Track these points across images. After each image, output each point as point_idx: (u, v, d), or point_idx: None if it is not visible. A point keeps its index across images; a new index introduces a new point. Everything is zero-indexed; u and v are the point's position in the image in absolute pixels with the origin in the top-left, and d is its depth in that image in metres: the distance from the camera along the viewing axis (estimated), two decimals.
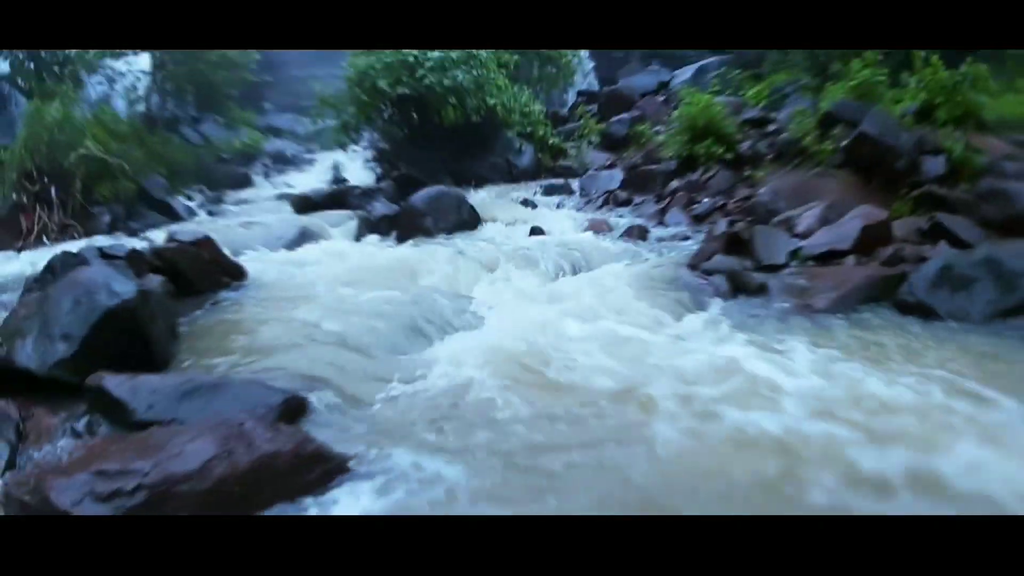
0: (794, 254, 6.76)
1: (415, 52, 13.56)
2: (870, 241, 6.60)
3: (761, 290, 6.28)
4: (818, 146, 8.93)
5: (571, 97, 20.26)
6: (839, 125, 8.85)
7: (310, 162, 20.41)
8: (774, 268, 6.64)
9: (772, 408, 3.98)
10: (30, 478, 3.08)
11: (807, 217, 7.29)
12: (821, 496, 3.10)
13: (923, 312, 5.59)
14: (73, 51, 17.45)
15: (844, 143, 8.51)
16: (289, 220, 11.24)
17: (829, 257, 6.58)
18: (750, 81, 14.76)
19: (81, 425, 3.92)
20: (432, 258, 7.89)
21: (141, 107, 18.98)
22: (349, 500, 3.12)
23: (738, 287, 6.39)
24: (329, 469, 3.28)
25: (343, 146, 16.90)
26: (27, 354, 4.43)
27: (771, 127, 11.62)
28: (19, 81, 17.94)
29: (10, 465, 3.55)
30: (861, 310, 5.78)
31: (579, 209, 11.01)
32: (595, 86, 21.44)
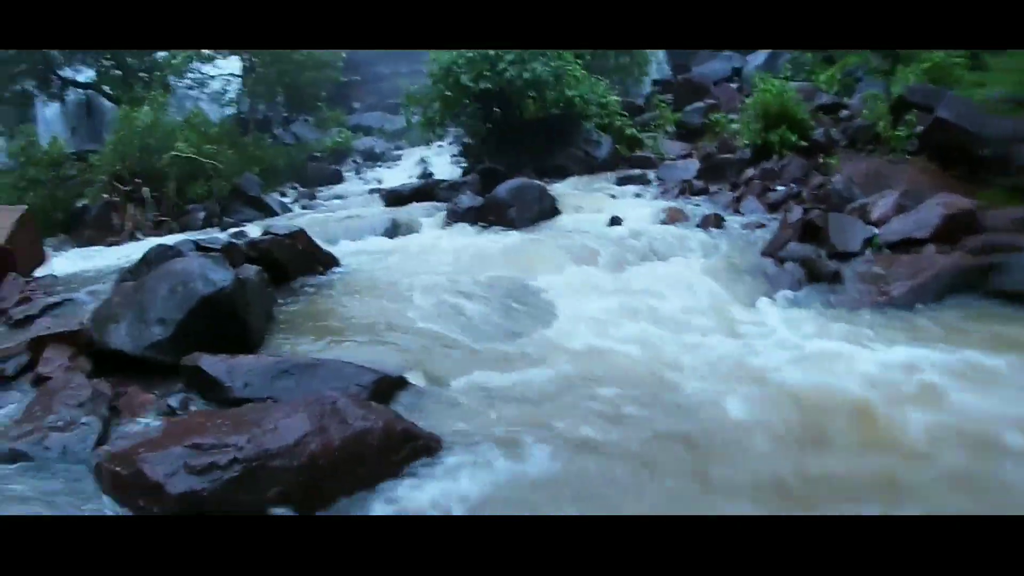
0: (869, 242, 6.54)
1: None
2: (953, 229, 6.24)
3: (836, 278, 6.11)
4: (892, 132, 8.60)
5: (646, 87, 19.97)
6: (913, 110, 8.49)
7: (398, 158, 20.63)
8: (849, 256, 6.44)
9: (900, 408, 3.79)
10: (124, 451, 3.16)
11: (882, 204, 7.01)
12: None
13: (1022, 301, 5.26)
14: (160, 57, 18.02)
15: (919, 128, 8.15)
16: (379, 213, 11.43)
17: (907, 245, 6.31)
18: (822, 65, 14.36)
19: (175, 402, 4.04)
20: (516, 248, 7.91)
21: (232, 110, 19.49)
22: (435, 477, 3.15)
23: (813, 275, 6.24)
24: (417, 447, 3.32)
25: (429, 141, 17.07)
26: (121, 337, 4.62)
27: (844, 112, 11.32)
28: (106, 89, 18.65)
29: (103, 439, 3.65)
30: (945, 299, 5.53)
31: (656, 199, 10.84)
32: (669, 74, 21.09)
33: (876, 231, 6.64)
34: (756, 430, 3.61)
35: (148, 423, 3.84)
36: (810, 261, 6.35)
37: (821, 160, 9.49)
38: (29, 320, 5.91)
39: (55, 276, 8.63)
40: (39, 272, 8.78)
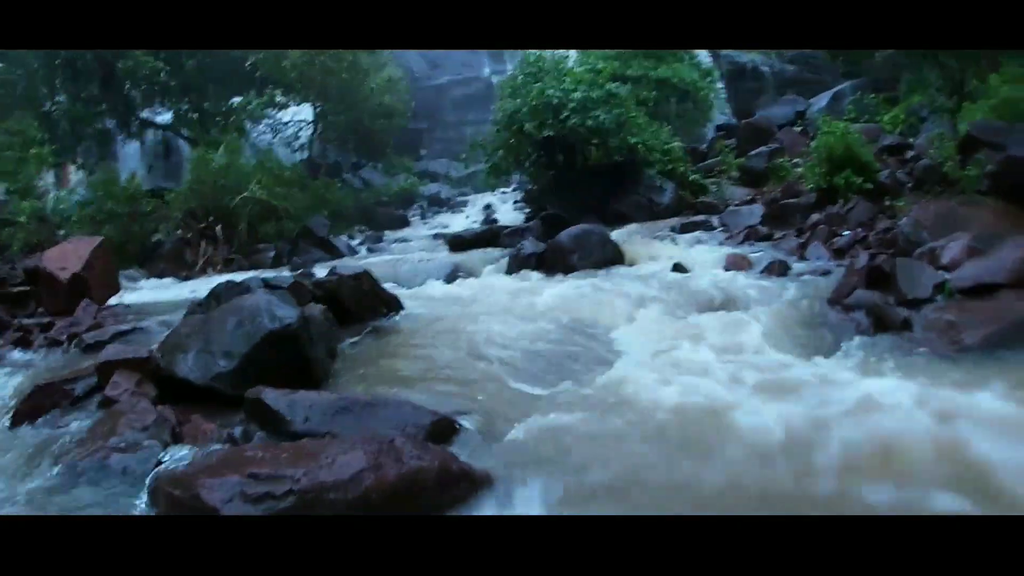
0: (940, 287, 6.29)
1: (558, 95, 13.73)
2: None
3: (905, 326, 5.86)
4: (960, 172, 8.36)
5: (710, 132, 19.94)
6: (982, 148, 8.21)
7: (463, 204, 20.90)
8: (918, 302, 6.16)
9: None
10: (183, 476, 3.20)
11: (953, 248, 6.73)
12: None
13: None
14: (236, 102, 18.73)
15: (990, 168, 7.90)
16: (443, 257, 11.59)
17: (980, 291, 5.99)
18: (885, 105, 14.15)
19: (236, 433, 4.08)
20: (578, 294, 7.84)
21: (304, 154, 20.07)
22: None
23: (880, 322, 6.00)
24: (473, 488, 3.29)
25: (493, 188, 17.29)
26: (187, 367, 4.73)
27: (910, 153, 11.11)
28: (183, 131, 19.43)
29: (163, 463, 3.73)
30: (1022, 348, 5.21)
31: (720, 245, 10.71)
32: (731, 119, 21.02)
33: (947, 276, 6.39)
34: (812, 482, 3.50)
35: (208, 451, 3.88)
36: (878, 309, 6.13)
37: (888, 203, 9.29)
38: (100, 345, 6.13)
39: (127, 305, 8.97)
40: (112, 301, 9.14)
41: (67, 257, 8.82)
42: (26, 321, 7.84)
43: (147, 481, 3.44)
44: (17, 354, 6.87)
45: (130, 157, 20.67)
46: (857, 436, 3.93)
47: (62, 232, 13.50)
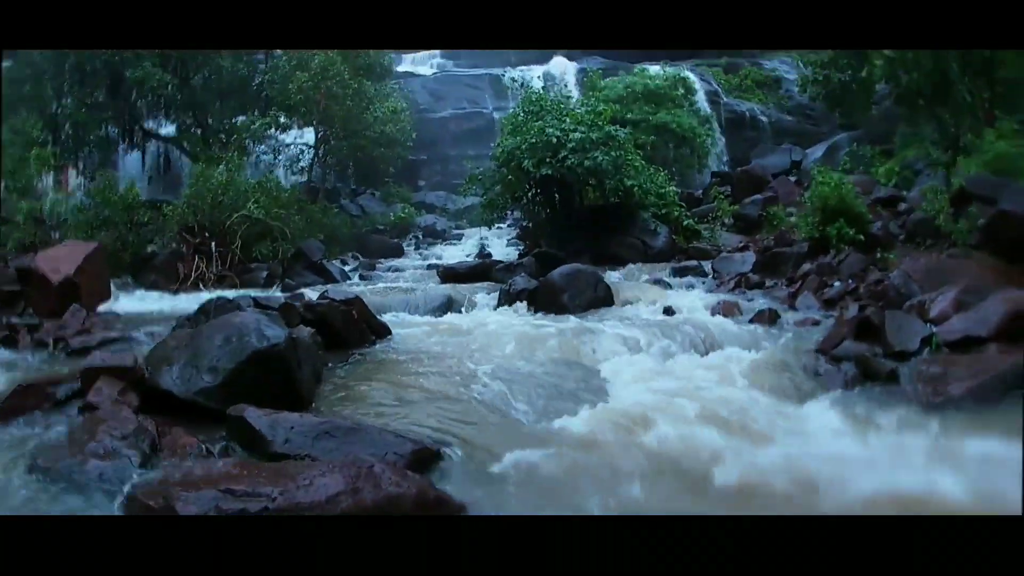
0: (927, 340, 6.32)
1: (558, 134, 13.83)
2: (1018, 327, 5.98)
3: (891, 377, 5.87)
4: (952, 225, 8.42)
5: (705, 178, 20.12)
6: (974, 202, 8.25)
7: (458, 236, 20.91)
8: (906, 355, 6.19)
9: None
10: (160, 487, 3.20)
11: (941, 301, 6.77)
12: None
13: None
14: (239, 121, 18.82)
15: (981, 222, 7.95)
16: (435, 289, 11.56)
17: (967, 344, 6.06)
18: (880, 157, 14.36)
19: (216, 449, 4.09)
20: (566, 332, 7.80)
21: (303, 178, 20.12)
22: None
23: (867, 374, 6.02)
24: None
25: (489, 223, 17.29)
26: (172, 379, 4.74)
27: (903, 206, 11.21)
28: (185, 145, 19.49)
29: (140, 473, 3.71)
30: (1007, 400, 5.21)
31: (711, 291, 10.76)
32: (727, 167, 21.23)
33: (935, 329, 6.43)
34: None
35: (187, 464, 3.86)
36: (865, 360, 6.15)
37: (879, 255, 9.35)
38: (86, 351, 6.17)
39: (117, 314, 9.00)
40: (102, 308, 9.17)
41: (60, 260, 8.87)
42: (14, 320, 7.85)
43: (123, 489, 3.41)
44: (2, 353, 6.89)
45: (130, 166, 20.65)
46: (831, 480, 3.97)
47: (57, 235, 13.53)
